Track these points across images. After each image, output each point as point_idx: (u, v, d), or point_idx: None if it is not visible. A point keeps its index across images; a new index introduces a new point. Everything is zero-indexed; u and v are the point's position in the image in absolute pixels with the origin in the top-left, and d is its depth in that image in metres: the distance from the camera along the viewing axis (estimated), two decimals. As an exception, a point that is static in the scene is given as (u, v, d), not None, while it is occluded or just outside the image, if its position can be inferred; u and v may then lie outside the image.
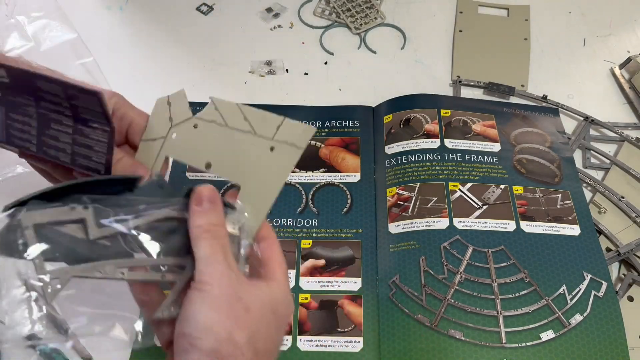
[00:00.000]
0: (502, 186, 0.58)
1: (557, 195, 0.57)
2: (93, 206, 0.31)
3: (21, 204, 0.31)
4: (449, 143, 0.61)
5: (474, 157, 0.60)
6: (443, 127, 0.62)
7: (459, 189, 0.57)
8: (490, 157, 0.60)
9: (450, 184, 0.58)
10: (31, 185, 0.58)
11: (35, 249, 0.29)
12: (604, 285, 0.51)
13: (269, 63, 0.70)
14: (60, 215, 0.30)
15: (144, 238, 0.31)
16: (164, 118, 0.41)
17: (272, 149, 0.36)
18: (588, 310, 0.50)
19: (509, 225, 0.55)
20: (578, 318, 0.49)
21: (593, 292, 0.51)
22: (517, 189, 0.58)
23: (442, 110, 0.64)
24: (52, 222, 0.30)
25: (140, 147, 0.42)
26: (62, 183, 0.32)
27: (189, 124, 0.40)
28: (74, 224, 0.30)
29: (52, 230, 0.30)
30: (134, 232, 0.31)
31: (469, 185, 0.58)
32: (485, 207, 0.56)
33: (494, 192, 0.57)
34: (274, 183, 0.36)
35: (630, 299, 0.52)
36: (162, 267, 0.32)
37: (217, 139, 0.38)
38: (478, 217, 0.55)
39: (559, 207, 0.57)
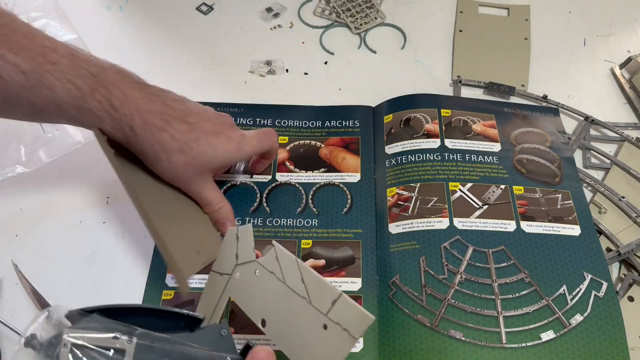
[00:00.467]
0: (503, 186, 0.58)
1: (558, 195, 0.57)
2: (138, 342, 0.31)
3: (83, 312, 0.32)
4: (449, 143, 0.61)
5: (474, 157, 0.60)
6: (443, 127, 0.62)
7: (459, 189, 0.57)
8: (490, 157, 0.60)
9: (450, 184, 0.58)
10: (32, 185, 0.59)
11: None
12: (604, 285, 0.51)
13: (269, 63, 0.70)
14: (102, 342, 0.31)
15: None
16: (231, 253, 0.42)
17: (325, 326, 0.35)
18: (588, 311, 0.50)
19: (509, 225, 0.55)
20: (578, 318, 0.49)
21: (593, 292, 0.51)
22: (518, 189, 0.58)
23: (442, 110, 0.64)
24: (92, 346, 0.30)
25: (210, 277, 0.44)
26: (130, 305, 0.34)
27: (251, 267, 0.40)
28: (113, 353, 0.31)
29: (88, 354, 0.30)
30: None
31: (469, 185, 0.58)
32: (485, 207, 0.56)
33: (494, 192, 0.57)
34: None
35: (631, 299, 0.52)
36: None
37: (275, 295, 0.38)
38: (478, 217, 0.55)
39: (559, 207, 0.56)
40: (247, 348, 0.34)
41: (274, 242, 0.39)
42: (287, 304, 0.37)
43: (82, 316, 0.32)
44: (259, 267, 0.39)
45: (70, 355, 0.30)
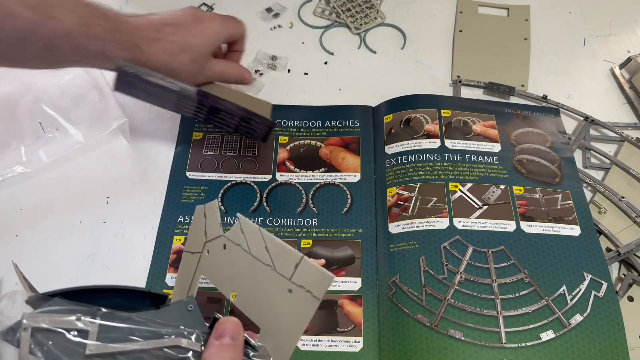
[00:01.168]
0: (503, 186, 0.58)
1: (558, 196, 0.57)
2: (101, 323, 0.31)
3: (44, 296, 0.32)
4: (449, 143, 0.61)
5: (474, 157, 0.60)
6: (443, 128, 0.62)
7: (459, 189, 0.57)
8: (490, 158, 0.60)
9: (450, 184, 0.58)
10: (32, 185, 0.59)
11: (24, 351, 0.29)
12: (604, 285, 0.51)
13: (273, 58, 0.70)
14: (63, 324, 0.30)
15: None
16: (200, 231, 0.43)
17: (290, 291, 0.35)
18: (588, 311, 0.50)
19: (509, 226, 0.55)
20: (578, 318, 0.49)
21: (593, 292, 0.51)
22: (518, 189, 0.58)
23: (442, 111, 0.64)
24: (53, 329, 0.30)
25: (183, 257, 0.45)
26: (91, 285, 0.34)
27: (220, 242, 0.41)
28: (76, 335, 0.30)
29: (50, 337, 0.30)
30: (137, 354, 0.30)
31: (469, 185, 0.58)
32: (485, 207, 0.56)
33: (494, 192, 0.57)
34: (291, 331, 0.35)
35: (630, 299, 0.52)
36: None
37: (243, 267, 0.38)
38: (478, 217, 0.55)
39: (559, 207, 0.57)
40: (215, 321, 0.33)
41: (238, 214, 0.40)
42: (254, 274, 0.37)
43: (42, 300, 0.31)
44: (226, 241, 0.40)
45: (31, 339, 0.29)
